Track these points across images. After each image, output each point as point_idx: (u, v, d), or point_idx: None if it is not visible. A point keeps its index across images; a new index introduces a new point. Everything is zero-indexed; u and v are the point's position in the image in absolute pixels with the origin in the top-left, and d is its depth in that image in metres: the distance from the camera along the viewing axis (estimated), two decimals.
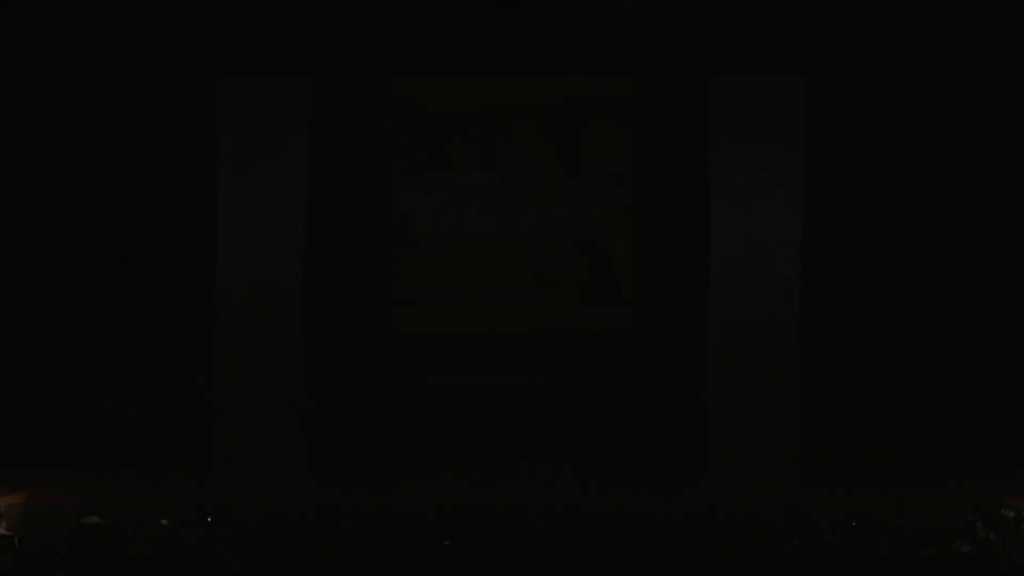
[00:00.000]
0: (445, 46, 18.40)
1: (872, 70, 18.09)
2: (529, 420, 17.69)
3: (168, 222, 18.35)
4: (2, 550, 10.98)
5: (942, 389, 17.78)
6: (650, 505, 13.23)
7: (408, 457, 17.07)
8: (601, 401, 18.32)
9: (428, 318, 18.99)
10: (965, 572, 10.70)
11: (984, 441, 16.46)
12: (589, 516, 12.21)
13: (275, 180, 18.29)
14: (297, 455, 17.44)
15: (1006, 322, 17.82)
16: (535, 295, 19.06)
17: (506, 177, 18.92)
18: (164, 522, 12.03)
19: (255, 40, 18.02)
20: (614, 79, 18.79)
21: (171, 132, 18.18)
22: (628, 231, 18.93)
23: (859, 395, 17.91)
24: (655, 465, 17.05)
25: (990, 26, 17.66)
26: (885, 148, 18.22)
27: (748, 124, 18.22)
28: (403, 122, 18.91)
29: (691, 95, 18.36)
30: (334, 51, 18.37)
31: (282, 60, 18.13)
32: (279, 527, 12.16)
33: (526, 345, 18.86)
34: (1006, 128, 17.79)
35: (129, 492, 13.89)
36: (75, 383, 17.87)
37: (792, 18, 17.99)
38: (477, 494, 13.67)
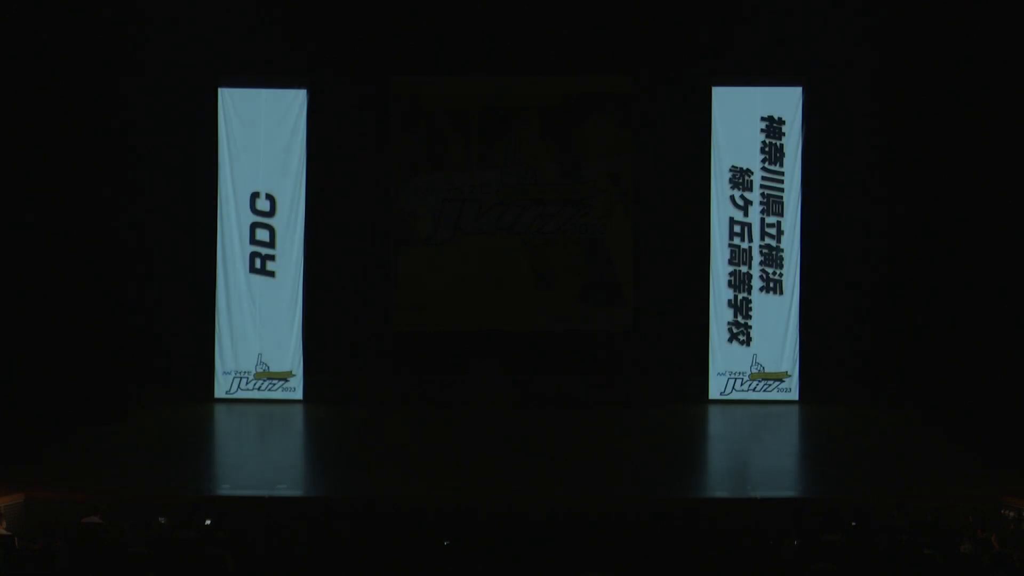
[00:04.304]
0: (445, 46, 18.42)
1: (864, 78, 18.13)
2: (529, 420, 17.70)
3: (171, 223, 18.43)
4: (2, 550, 10.98)
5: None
6: (650, 504, 13.21)
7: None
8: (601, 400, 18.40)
9: (428, 318, 19.01)
10: (965, 572, 10.69)
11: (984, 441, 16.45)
12: (589, 516, 12.20)
13: (275, 180, 18.30)
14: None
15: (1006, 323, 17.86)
16: (535, 295, 19.09)
17: (506, 177, 18.94)
18: (162, 520, 12.02)
19: (255, 39, 18.04)
20: (614, 79, 18.82)
21: (173, 135, 18.22)
22: (628, 231, 18.95)
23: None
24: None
25: (989, 27, 17.70)
26: (880, 151, 18.27)
27: (743, 125, 18.25)
28: (403, 122, 18.94)
29: (691, 95, 18.37)
30: (334, 51, 18.39)
31: (282, 60, 18.15)
32: (279, 527, 12.16)
33: (526, 345, 18.89)
34: (1006, 129, 17.82)
35: (129, 492, 13.87)
36: (76, 381, 17.94)
37: (790, 26, 18.01)
38: (476, 494, 13.66)
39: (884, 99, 18.22)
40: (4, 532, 11.87)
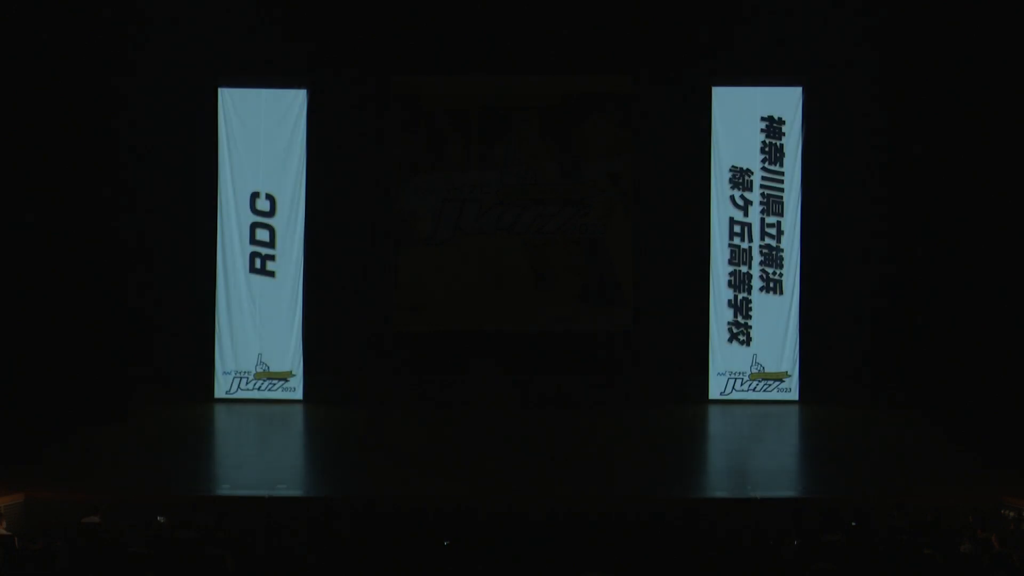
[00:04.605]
0: (445, 46, 18.42)
1: (864, 78, 18.13)
2: (529, 420, 17.69)
3: (171, 223, 18.44)
4: (2, 550, 10.98)
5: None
6: (650, 504, 13.22)
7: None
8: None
9: (428, 318, 19.01)
10: (965, 572, 10.69)
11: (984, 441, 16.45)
12: (589, 516, 12.21)
13: (275, 180, 18.29)
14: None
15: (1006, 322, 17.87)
16: (535, 295, 19.09)
17: (506, 177, 18.94)
18: (161, 519, 12.01)
19: (255, 38, 18.04)
20: (614, 79, 18.82)
21: (172, 135, 18.22)
22: (628, 231, 18.95)
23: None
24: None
25: (989, 27, 17.69)
26: (880, 151, 18.28)
27: (743, 125, 18.25)
28: (403, 122, 18.94)
29: (691, 95, 18.37)
30: (334, 51, 18.39)
31: (282, 60, 18.15)
32: (279, 527, 12.16)
33: (526, 345, 18.89)
34: (1006, 129, 17.81)
35: (129, 492, 13.87)
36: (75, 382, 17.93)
37: (790, 26, 18.01)
38: (476, 494, 13.66)
39: (884, 99, 18.22)
40: (4, 532, 11.87)
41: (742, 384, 18.22)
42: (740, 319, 18.27)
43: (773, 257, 18.26)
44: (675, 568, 10.71)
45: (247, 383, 18.22)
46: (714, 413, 18.17)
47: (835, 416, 17.88)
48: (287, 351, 18.28)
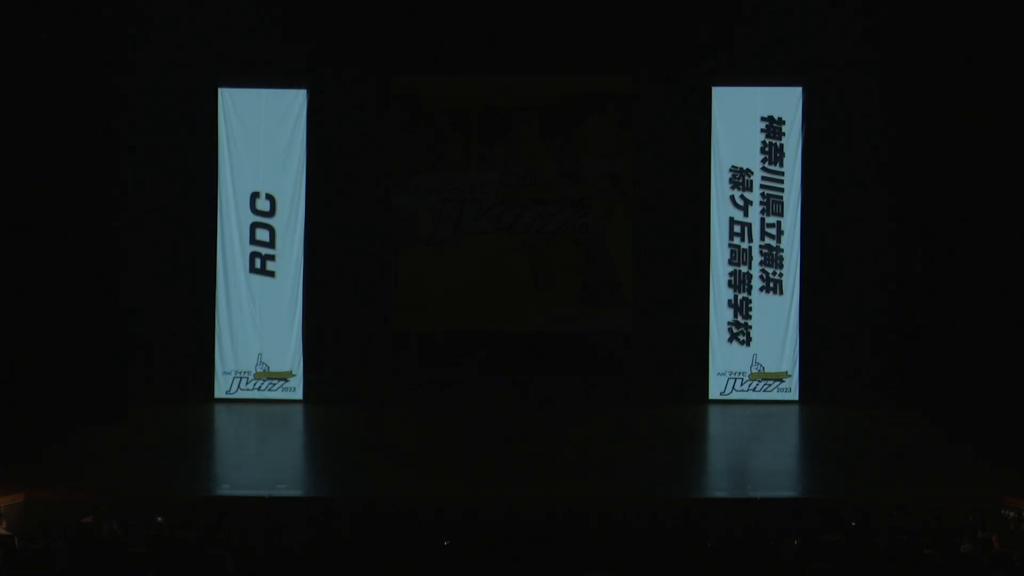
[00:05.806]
0: (445, 46, 18.42)
1: (864, 78, 18.12)
2: (529, 420, 17.69)
3: (171, 223, 18.43)
4: (2, 550, 10.97)
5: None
6: (650, 504, 13.22)
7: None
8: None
9: (428, 318, 19.01)
10: (965, 572, 10.69)
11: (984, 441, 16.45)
12: (589, 516, 12.20)
13: (275, 180, 18.28)
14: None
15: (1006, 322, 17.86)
16: (535, 295, 19.10)
17: (506, 177, 18.94)
18: (159, 519, 12.01)
19: (255, 38, 18.04)
20: (614, 79, 18.83)
21: (172, 135, 18.22)
22: (628, 231, 18.96)
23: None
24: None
25: (989, 27, 17.68)
26: (880, 151, 18.28)
27: (743, 125, 18.24)
28: (403, 122, 18.94)
29: (691, 95, 18.38)
30: (334, 51, 18.39)
31: (282, 60, 18.15)
32: (279, 527, 12.15)
33: (526, 345, 18.89)
34: (1006, 129, 17.80)
35: (129, 492, 13.86)
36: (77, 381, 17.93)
37: (790, 26, 18.01)
38: (476, 495, 13.66)
39: (884, 99, 18.23)
40: (4, 532, 11.86)
41: (742, 384, 18.22)
42: (740, 319, 18.28)
43: (773, 257, 18.26)
44: (675, 568, 10.71)
45: (247, 383, 18.22)
46: (714, 413, 18.17)
47: (835, 416, 17.88)
48: (287, 351, 18.27)
